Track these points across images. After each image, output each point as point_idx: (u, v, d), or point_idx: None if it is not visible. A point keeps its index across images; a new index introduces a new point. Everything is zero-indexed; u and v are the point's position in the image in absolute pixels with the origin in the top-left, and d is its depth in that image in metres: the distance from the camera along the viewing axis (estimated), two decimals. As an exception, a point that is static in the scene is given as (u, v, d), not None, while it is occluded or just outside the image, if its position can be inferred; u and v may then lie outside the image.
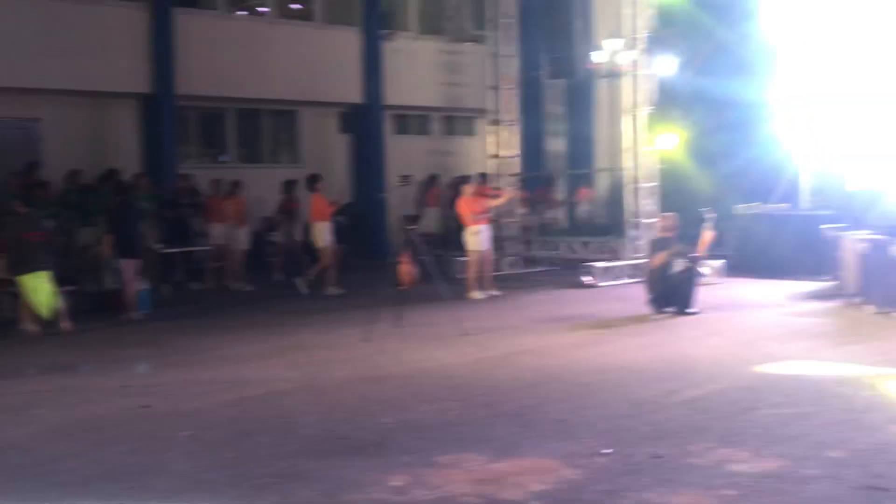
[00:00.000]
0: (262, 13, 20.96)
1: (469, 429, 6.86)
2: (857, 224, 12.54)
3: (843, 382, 7.98)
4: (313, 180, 15.85)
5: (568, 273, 16.55)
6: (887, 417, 6.80)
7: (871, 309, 11.51)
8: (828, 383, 8.00)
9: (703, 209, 12.90)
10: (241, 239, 16.75)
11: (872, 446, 6.08)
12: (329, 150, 21.79)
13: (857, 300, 11.94)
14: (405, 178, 12.33)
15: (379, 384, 8.52)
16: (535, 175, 22.01)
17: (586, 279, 15.49)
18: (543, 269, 18.12)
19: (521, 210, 20.35)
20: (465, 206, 14.55)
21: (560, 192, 23.25)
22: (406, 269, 11.61)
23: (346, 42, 21.32)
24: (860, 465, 5.71)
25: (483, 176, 19.13)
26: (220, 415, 7.56)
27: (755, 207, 16.99)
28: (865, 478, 5.46)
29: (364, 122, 21.77)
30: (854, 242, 12.11)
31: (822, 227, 13.70)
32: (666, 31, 17.77)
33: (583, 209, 22.64)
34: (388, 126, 22.51)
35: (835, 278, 13.09)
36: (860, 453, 5.94)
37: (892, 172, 14.40)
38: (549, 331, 11.24)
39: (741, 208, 17.06)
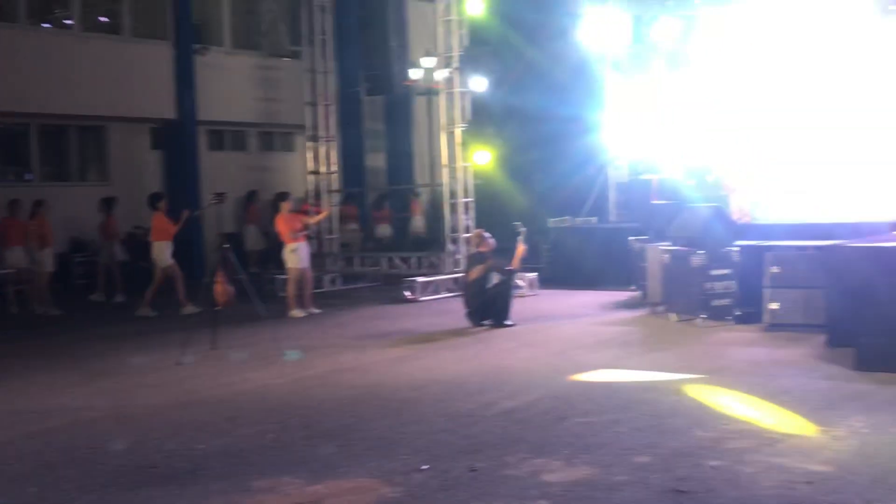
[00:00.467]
0: (68, 26, 20.11)
1: (286, 451, 6.76)
2: (660, 236, 13.13)
3: (649, 389, 8.33)
4: (156, 199, 15.46)
5: (389, 288, 16.64)
6: (690, 421, 7.10)
7: (674, 317, 12.08)
8: (635, 390, 8.34)
9: (515, 223, 13.26)
10: (46, 261, 15.93)
11: (676, 450, 6.36)
12: (140, 167, 21.12)
13: (661, 309, 12.50)
14: (219, 196, 12.03)
15: (193, 409, 8.28)
16: (358, 190, 22.07)
17: (407, 294, 15.61)
18: (365, 285, 18.15)
19: (352, 226, 20.39)
20: (283, 223, 14.38)
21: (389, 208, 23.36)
22: (221, 288, 11.35)
23: (157, 56, 20.73)
24: (665, 469, 5.95)
25: (311, 194, 18.99)
26: (22, 447, 7.16)
27: (566, 221, 17.60)
28: (670, 481, 5.70)
29: (177, 138, 21.21)
30: (657, 253, 12.67)
31: (629, 239, 14.28)
32: (479, 50, 18.20)
33: (417, 222, 22.81)
34: (202, 142, 22.01)
35: (640, 288, 13.66)
36: (665, 458, 6.19)
37: (695, 186, 15.29)
38: (369, 347, 11.24)
39: (553, 222, 17.63)
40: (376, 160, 25.16)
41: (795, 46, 15.24)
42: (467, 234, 15.77)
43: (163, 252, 14.94)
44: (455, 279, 15.60)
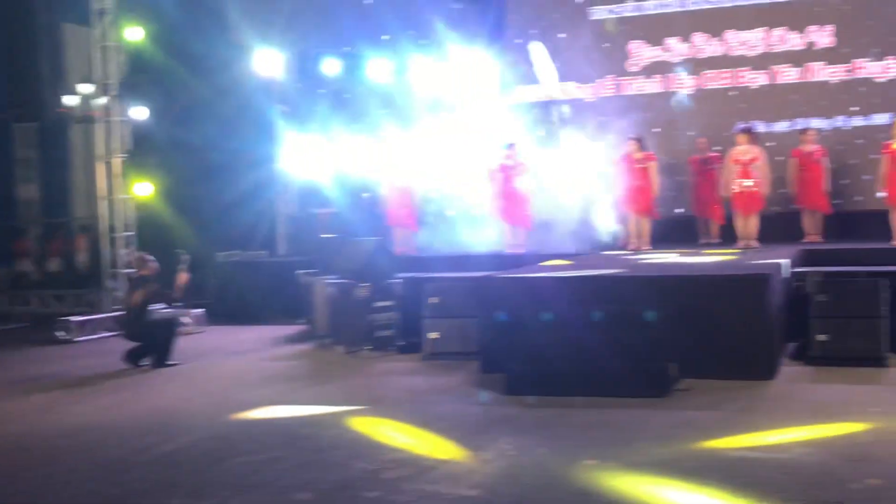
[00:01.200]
0: None
1: None
2: (327, 269, 13.24)
3: (312, 423, 8.29)
4: None
5: (41, 329, 15.51)
6: (350, 454, 7.14)
7: (340, 349, 12.20)
8: (298, 425, 8.27)
9: (178, 251, 12.83)
10: None
11: (336, 484, 6.37)
12: None
13: (327, 341, 12.58)
14: None
15: None
16: (9, 224, 20.53)
17: (60, 335, 14.62)
18: (12, 326, 16.79)
19: (24, 261, 18.93)
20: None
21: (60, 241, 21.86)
22: None
23: None
24: (324, 504, 5.95)
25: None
26: None
27: (235, 255, 17.34)
28: (327, 516, 5.71)
29: None
30: (323, 287, 12.77)
31: (297, 272, 14.29)
32: (141, 78, 17.57)
33: (81, 257, 21.46)
34: None
35: (309, 322, 13.68)
36: (325, 493, 6.18)
37: (361, 220, 15.66)
38: (13, 395, 10.35)
39: (222, 256, 17.30)
40: (29, 191, 23.47)
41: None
42: (127, 270, 15.09)
43: None
44: (115, 317, 14.82)
